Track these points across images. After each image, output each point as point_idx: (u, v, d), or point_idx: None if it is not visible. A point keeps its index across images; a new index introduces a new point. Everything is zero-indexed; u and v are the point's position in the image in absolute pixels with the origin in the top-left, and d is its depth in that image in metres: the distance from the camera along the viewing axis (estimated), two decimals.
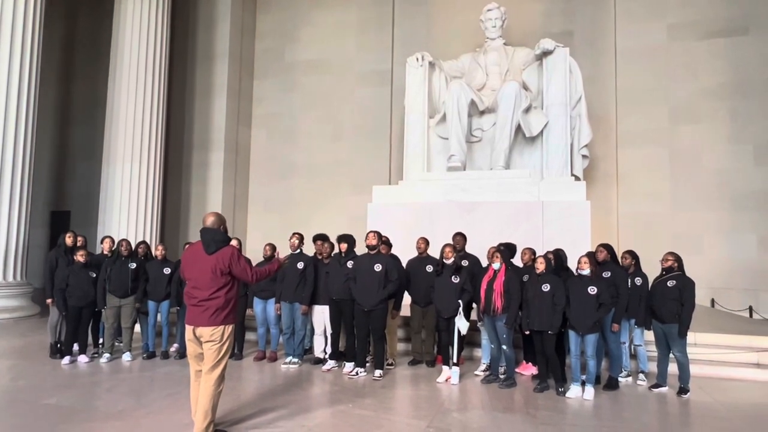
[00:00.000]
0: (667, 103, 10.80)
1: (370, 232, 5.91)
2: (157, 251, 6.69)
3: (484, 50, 10.13)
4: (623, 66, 11.08)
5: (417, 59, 9.87)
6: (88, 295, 6.10)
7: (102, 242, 6.87)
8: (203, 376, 3.73)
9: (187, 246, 5.16)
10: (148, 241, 8.28)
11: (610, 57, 11.19)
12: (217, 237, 3.80)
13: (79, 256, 6.16)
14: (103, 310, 6.25)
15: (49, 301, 6.36)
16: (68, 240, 6.62)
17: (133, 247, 6.66)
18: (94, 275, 6.16)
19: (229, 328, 3.78)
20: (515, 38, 10.64)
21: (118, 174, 10.58)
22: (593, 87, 10.63)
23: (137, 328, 6.64)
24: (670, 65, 10.85)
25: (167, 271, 6.47)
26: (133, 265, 6.30)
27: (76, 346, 6.21)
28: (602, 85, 11.06)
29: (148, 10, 10.95)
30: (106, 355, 6.18)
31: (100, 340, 6.61)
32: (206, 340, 3.70)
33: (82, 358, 6.10)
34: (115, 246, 6.60)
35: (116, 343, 6.44)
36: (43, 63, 10.31)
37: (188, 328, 3.77)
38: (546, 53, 9.23)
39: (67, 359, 6.00)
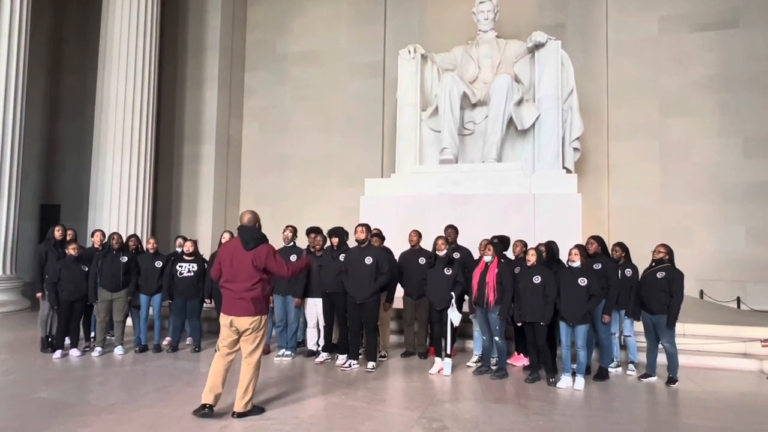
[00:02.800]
0: (658, 95, 10.85)
1: (359, 225, 5.92)
2: (148, 244, 6.67)
3: (477, 43, 10.12)
4: (614, 58, 11.12)
5: (409, 51, 9.85)
6: (80, 288, 6.07)
7: (92, 236, 6.83)
8: (243, 360, 4.08)
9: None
10: (139, 235, 8.25)
11: (601, 50, 11.22)
12: (255, 235, 4.15)
13: (71, 250, 6.11)
14: (94, 303, 6.22)
15: (39, 295, 6.32)
16: (57, 233, 6.57)
17: (124, 240, 6.62)
18: (86, 269, 6.13)
19: (265, 318, 4.16)
20: (507, 31, 10.63)
21: (108, 167, 10.49)
22: (585, 79, 10.66)
23: (129, 321, 6.61)
24: (660, 58, 10.90)
25: (159, 264, 6.45)
26: (125, 259, 6.26)
27: (67, 340, 6.18)
28: (594, 77, 11.09)
29: (137, 1, 10.81)
30: (98, 348, 6.15)
31: (92, 334, 6.59)
32: (245, 329, 4.04)
33: (74, 352, 6.08)
34: (105, 239, 6.56)
35: (108, 337, 6.42)
36: (31, 55, 10.17)
37: (225, 317, 4.08)
38: (538, 46, 9.24)
39: (58, 353, 5.97)
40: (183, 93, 12.71)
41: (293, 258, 6.15)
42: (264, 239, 4.19)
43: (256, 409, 4.12)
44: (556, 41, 9.29)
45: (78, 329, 6.30)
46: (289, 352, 6.15)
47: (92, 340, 6.53)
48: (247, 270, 4.04)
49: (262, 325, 4.13)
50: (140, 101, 10.74)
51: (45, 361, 5.82)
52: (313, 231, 6.36)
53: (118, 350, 6.22)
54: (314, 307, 6.18)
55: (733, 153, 10.38)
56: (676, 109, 10.74)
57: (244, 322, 4.03)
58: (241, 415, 4.00)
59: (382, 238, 6.47)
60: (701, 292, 10.08)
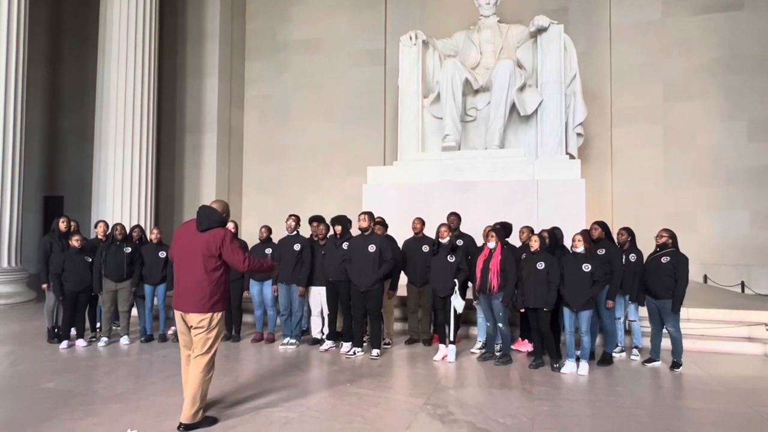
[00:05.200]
0: (661, 79, 10.76)
1: (362, 213, 5.92)
2: (152, 235, 6.69)
3: (478, 28, 10.02)
4: (618, 42, 11.00)
5: (410, 38, 9.77)
6: (84, 279, 6.10)
7: (96, 227, 6.84)
8: (192, 361, 3.65)
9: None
10: (142, 225, 8.26)
11: (604, 33, 11.10)
12: (212, 216, 3.63)
13: (74, 241, 6.13)
14: (99, 294, 6.25)
15: (44, 286, 6.35)
16: (62, 225, 6.59)
17: (128, 231, 6.64)
18: (90, 260, 6.16)
19: (218, 316, 3.64)
20: (509, 15, 10.52)
21: (110, 158, 10.47)
22: (588, 64, 10.56)
23: (134, 311, 6.65)
24: (664, 41, 10.78)
25: (162, 254, 6.47)
26: (128, 249, 6.29)
27: (73, 331, 6.23)
28: (597, 62, 10.99)
29: None
30: (104, 339, 6.20)
31: (98, 325, 6.62)
32: (194, 327, 3.60)
33: (80, 342, 6.12)
34: (109, 230, 6.57)
35: (113, 327, 6.47)
36: (30, 47, 10.13)
37: (177, 313, 3.67)
38: (540, 30, 9.15)
39: (65, 344, 6.02)
40: (183, 83, 12.65)
41: (297, 247, 6.17)
42: (222, 223, 3.65)
43: (207, 420, 3.63)
44: (559, 25, 9.20)
45: (83, 320, 6.35)
46: (293, 341, 6.18)
47: (98, 330, 6.56)
48: (197, 257, 3.52)
49: (215, 324, 3.61)
50: (140, 91, 10.68)
51: (51, 351, 5.87)
52: (316, 220, 6.35)
53: (124, 340, 6.27)
54: (318, 296, 6.20)
55: (737, 137, 10.31)
56: (679, 93, 10.64)
57: (193, 318, 3.56)
58: (188, 427, 3.52)
59: (385, 226, 6.47)
60: (705, 277, 10.06)
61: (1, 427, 3.64)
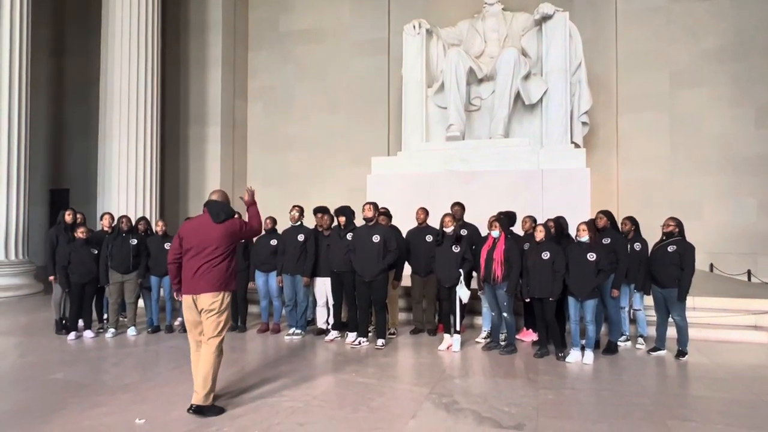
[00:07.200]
0: (668, 66, 10.64)
1: (367, 203, 5.91)
2: (157, 227, 6.72)
3: (483, 16, 9.94)
4: (624, 29, 10.88)
5: (414, 27, 9.71)
6: (90, 271, 6.15)
7: (101, 219, 6.87)
8: (203, 345, 3.82)
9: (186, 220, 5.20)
10: (147, 217, 8.28)
11: (610, 20, 10.97)
12: (225, 208, 3.92)
13: (80, 233, 6.17)
14: (106, 286, 6.30)
15: (51, 278, 6.40)
16: (68, 217, 6.63)
17: (133, 223, 6.67)
18: (96, 252, 6.20)
19: (228, 296, 3.88)
20: (514, 3, 10.41)
21: (115, 150, 10.49)
22: (593, 51, 10.46)
23: (141, 303, 6.69)
24: (671, 27, 10.65)
25: (168, 246, 6.48)
26: (134, 242, 6.32)
27: (81, 322, 6.28)
28: (603, 49, 10.87)
29: None
30: (111, 330, 6.25)
31: (105, 316, 6.68)
32: (206, 309, 3.77)
33: (88, 334, 6.18)
34: (115, 222, 6.61)
35: (121, 319, 6.52)
36: (34, 39, 10.13)
37: (186, 298, 3.84)
38: (545, 18, 9.07)
39: (72, 335, 6.07)
40: (187, 74, 12.63)
41: (301, 238, 6.19)
42: (233, 213, 3.97)
43: (214, 410, 3.70)
44: (564, 13, 9.11)
45: (90, 311, 6.40)
46: (299, 331, 6.21)
47: (105, 321, 6.62)
48: (214, 243, 3.79)
49: (225, 305, 3.82)
50: (144, 83, 10.68)
51: (60, 342, 5.92)
52: (320, 210, 6.36)
53: (131, 331, 6.32)
54: (323, 286, 6.22)
55: (744, 124, 10.21)
56: (686, 79, 10.53)
57: (206, 299, 3.74)
58: (199, 409, 3.65)
59: (390, 217, 6.46)
60: (711, 266, 10.02)
61: (10, 417, 3.68)
